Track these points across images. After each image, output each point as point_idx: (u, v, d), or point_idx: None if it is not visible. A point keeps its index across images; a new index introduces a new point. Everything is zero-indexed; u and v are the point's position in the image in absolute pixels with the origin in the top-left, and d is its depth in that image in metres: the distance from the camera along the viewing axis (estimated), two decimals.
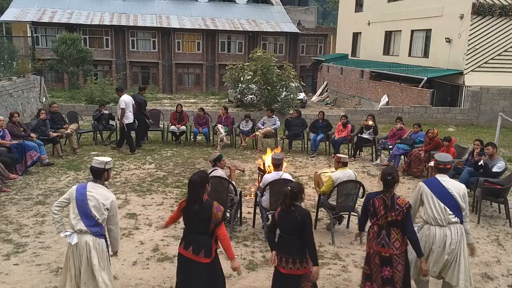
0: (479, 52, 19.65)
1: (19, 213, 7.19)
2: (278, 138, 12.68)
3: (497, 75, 19.55)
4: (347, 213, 6.87)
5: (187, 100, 28.20)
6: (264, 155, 8.71)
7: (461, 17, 19.73)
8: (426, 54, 22.87)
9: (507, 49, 19.81)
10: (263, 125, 12.57)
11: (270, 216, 6.85)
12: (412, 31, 23.91)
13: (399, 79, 21.72)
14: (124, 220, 6.96)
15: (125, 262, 5.68)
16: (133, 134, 11.63)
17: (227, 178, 6.56)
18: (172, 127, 12.74)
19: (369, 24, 28.11)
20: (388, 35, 26.55)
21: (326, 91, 30.11)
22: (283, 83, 18.63)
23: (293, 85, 19.13)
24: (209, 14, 36.91)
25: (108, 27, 33.48)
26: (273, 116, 12.85)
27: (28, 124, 10.96)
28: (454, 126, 17.67)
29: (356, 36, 30.51)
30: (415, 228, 4.48)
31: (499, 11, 19.25)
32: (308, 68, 37.10)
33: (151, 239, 6.36)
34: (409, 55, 24.19)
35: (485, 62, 19.77)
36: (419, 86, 19.63)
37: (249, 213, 7.39)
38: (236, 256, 4.37)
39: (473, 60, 19.69)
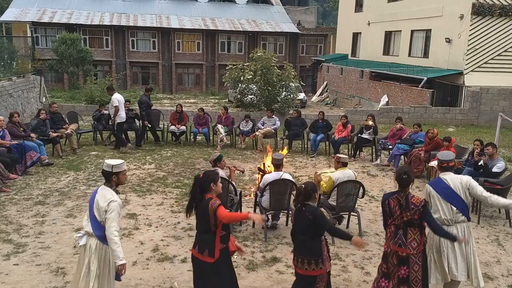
0: (479, 52, 19.65)
1: (19, 213, 7.19)
2: (278, 138, 12.69)
3: (497, 75, 19.55)
4: (347, 213, 6.87)
5: (187, 100, 28.21)
6: (266, 156, 8.70)
7: (461, 17, 19.73)
8: (426, 54, 22.87)
9: (507, 49, 19.81)
10: (263, 125, 12.57)
11: (270, 216, 6.86)
12: (412, 31, 23.91)
13: (399, 79, 21.71)
14: (124, 220, 6.95)
15: None
16: (132, 134, 11.64)
17: (227, 178, 6.57)
18: (172, 127, 12.74)
19: (369, 24, 28.11)
20: (388, 35, 26.55)
21: (326, 91, 30.11)
22: (283, 83, 18.64)
23: (293, 85, 19.14)
24: (209, 14, 36.92)
25: (108, 27, 33.48)
26: (273, 116, 12.85)
27: (28, 124, 10.96)
28: (454, 126, 17.67)
29: (356, 36, 30.51)
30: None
31: (499, 11, 19.25)
32: (308, 68, 37.10)
33: (151, 239, 6.37)
34: (409, 55, 24.19)
35: (485, 62, 19.77)
36: (419, 86, 19.63)
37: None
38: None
39: (473, 60, 19.69)
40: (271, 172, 6.97)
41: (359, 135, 11.71)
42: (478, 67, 19.76)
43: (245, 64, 19.12)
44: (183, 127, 12.77)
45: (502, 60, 19.84)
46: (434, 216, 4.57)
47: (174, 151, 12.00)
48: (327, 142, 12.08)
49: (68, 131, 11.36)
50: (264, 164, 8.02)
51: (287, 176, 6.62)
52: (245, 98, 19.51)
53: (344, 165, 6.67)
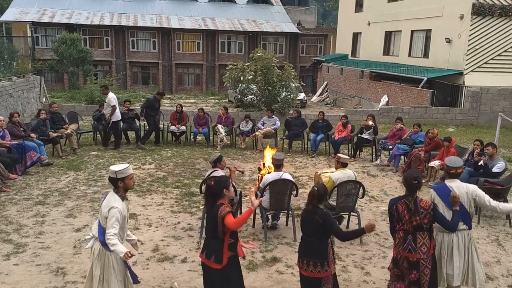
0: (479, 52, 19.64)
1: (19, 213, 7.19)
2: (278, 138, 12.69)
3: (497, 75, 19.54)
4: (347, 213, 6.87)
5: (187, 100, 28.22)
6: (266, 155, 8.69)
7: (461, 17, 19.72)
8: (426, 54, 22.86)
9: (507, 49, 19.80)
10: (263, 125, 12.57)
11: (270, 216, 6.86)
12: (412, 31, 23.90)
13: (399, 79, 21.71)
14: None
15: None
16: (132, 134, 11.65)
17: None
18: (172, 127, 12.74)
19: (369, 24, 28.11)
20: (388, 35, 26.55)
21: (326, 91, 30.11)
22: (283, 83, 18.64)
23: (293, 85, 19.15)
24: (209, 14, 36.92)
25: (108, 27, 33.48)
26: (273, 116, 12.86)
27: (28, 124, 10.96)
28: (454, 126, 17.67)
29: (356, 36, 30.51)
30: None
31: (499, 11, 19.24)
32: (308, 68, 37.10)
33: (151, 239, 6.37)
34: (409, 55, 24.19)
35: (485, 62, 19.77)
36: (419, 86, 19.63)
37: None
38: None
39: (473, 60, 19.68)
40: (271, 172, 6.96)
41: (359, 135, 11.70)
42: (478, 67, 19.75)
43: (246, 64, 19.13)
44: (183, 127, 12.77)
45: (502, 60, 19.84)
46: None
47: (174, 151, 12.00)
48: (327, 142, 12.08)
49: (68, 131, 11.36)
50: (264, 164, 8.01)
51: (287, 176, 6.62)
52: (245, 98, 19.52)
53: (344, 165, 6.66)
